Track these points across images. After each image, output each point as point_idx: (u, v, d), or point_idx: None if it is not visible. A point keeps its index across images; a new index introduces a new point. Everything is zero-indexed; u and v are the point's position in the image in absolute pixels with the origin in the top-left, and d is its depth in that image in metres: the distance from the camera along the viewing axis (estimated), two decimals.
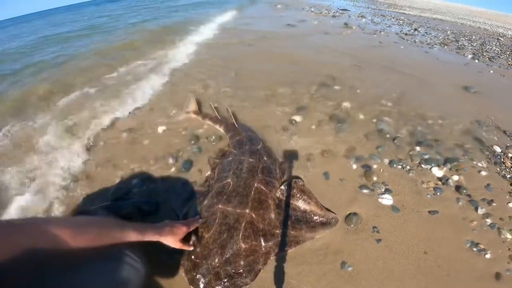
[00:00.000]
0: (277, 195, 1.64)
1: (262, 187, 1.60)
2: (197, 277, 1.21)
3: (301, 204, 1.63)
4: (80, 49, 5.16)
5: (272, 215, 1.50)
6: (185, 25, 6.67)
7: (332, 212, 1.63)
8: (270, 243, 1.39)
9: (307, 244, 1.46)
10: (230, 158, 1.87)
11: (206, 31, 6.07)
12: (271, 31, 5.86)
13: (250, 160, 1.79)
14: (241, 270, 1.24)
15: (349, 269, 1.36)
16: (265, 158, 1.86)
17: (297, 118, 2.57)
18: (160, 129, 2.40)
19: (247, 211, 1.43)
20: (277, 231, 1.45)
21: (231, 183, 1.61)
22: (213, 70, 3.67)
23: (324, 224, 1.55)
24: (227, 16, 8.14)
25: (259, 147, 1.98)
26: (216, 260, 1.24)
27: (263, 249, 1.35)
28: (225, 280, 1.20)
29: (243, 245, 1.30)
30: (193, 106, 2.61)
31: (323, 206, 1.65)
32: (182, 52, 4.63)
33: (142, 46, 5.01)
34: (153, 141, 2.25)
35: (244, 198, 1.50)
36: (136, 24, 7.64)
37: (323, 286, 1.30)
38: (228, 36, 5.57)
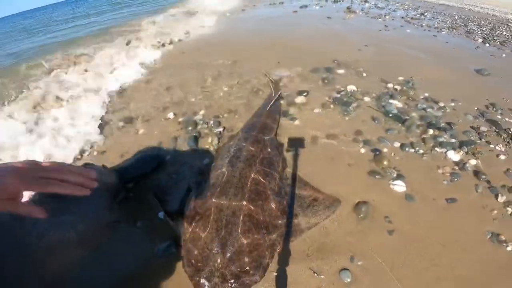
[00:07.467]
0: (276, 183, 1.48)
1: (260, 178, 1.43)
2: (201, 282, 1.05)
3: (299, 190, 1.49)
4: None
5: (273, 205, 1.34)
6: None
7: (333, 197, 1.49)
8: (274, 235, 1.24)
9: (315, 237, 1.32)
10: (232, 143, 1.69)
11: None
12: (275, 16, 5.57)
13: (251, 148, 1.61)
14: (247, 268, 1.09)
15: (359, 263, 1.22)
16: (269, 150, 1.67)
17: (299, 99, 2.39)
18: None
19: (244, 202, 1.27)
20: (280, 222, 1.30)
21: (226, 173, 1.44)
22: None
23: (327, 207, 1.42)
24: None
25: (267, 137, 1.78)
26: (218, 260, 1.08)
27: (268, 241, 1.21)
28: (232, 281, 1.05)
29: (244, 240, 1.15)
30: None
31: (320, 190, 1.51)
32: None
33: None
34: None
35: (239, 189, 1.34)
36: None
37: (333, 279, 1.16)
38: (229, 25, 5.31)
